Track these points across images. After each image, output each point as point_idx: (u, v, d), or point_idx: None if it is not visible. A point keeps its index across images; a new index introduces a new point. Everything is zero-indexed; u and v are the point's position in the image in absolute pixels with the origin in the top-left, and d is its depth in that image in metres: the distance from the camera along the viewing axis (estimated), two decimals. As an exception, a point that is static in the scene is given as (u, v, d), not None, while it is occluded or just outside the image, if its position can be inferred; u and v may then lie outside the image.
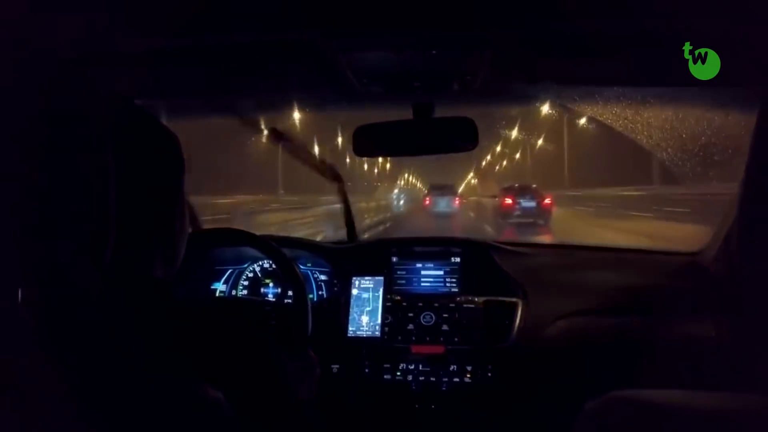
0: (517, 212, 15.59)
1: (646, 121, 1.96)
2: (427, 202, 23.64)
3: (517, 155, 41.55)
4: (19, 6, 0.70)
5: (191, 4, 0.94)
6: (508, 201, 16.02)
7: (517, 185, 17.60)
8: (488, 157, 52.95)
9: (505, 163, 48.39)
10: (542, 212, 15.57)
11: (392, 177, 59.33)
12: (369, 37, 1.14)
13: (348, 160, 29.42)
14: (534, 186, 17.27)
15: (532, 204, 15.64)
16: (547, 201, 15.80)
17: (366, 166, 40.14)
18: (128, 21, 0.99)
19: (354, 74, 1.31)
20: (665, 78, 1.31)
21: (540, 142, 32.27)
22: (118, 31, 1.01)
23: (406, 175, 68.54)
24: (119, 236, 0.67)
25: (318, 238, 3.30)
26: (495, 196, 18.34)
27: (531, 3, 0.98)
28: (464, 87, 1.44)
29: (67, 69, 0.63)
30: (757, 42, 1.00)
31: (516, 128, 33.60)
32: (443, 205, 22.29)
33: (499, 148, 45.67)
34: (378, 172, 50.77)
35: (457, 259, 1.89)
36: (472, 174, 71.17)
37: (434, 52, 1.20)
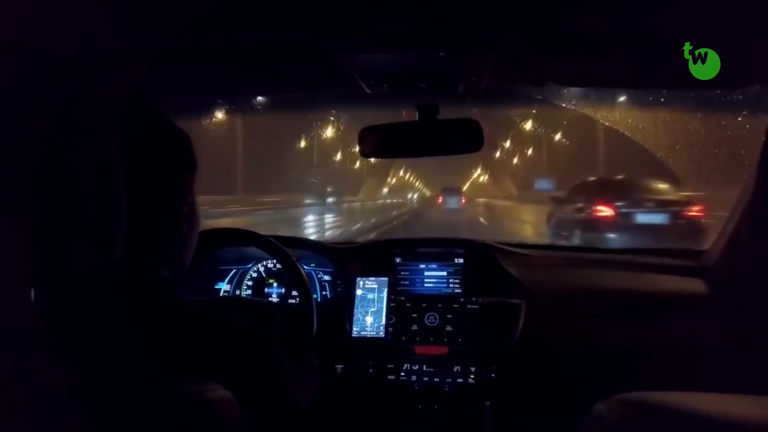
0: (623, 231, 7.72)
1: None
2: (440, 200, 32.99)
3: (557, 136, 26.31)
4: (20, 6, 0.70)
5: (198, 3, 0.94)
6: (605, 211, 8.09)
7: (597, 180, 10.13)
8: (506, 144, 37.69)
9: (530, 151, 34.04)
10: (686, 231, 7.22)
11: (384, 172, 47.37)
12: (375, 37, 1.14)
13: (303, 143, 24.19)
14: (659, 184, 8.28)
15: (657, 217, 7.71)
16: (695, 211, 7.57)
17: (339, 155, 29.82)
18: (128, 21, 0.99)
19: (360, 75, 1.31)
20: (666, 78, 1.30)
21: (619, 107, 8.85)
22: (118, 31, 1.02)
23: (401, 173, 55.47)
24: (128, 235, 0.67)
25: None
26: (557, 200, 10.25)
27: (535, 4, 0.98)
28: (470, 88, 1.43)
29: (68, 69, 0.63)
30: (757, 42, 0.99)
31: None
32: (453, 202, 31.46)
33: (529, 125, 28.95)
34: (360, 165, 36.21)
35: (461, 260, 1.89)
36: (479, 170, 60.14)
37: (440, 53, 1.20)
